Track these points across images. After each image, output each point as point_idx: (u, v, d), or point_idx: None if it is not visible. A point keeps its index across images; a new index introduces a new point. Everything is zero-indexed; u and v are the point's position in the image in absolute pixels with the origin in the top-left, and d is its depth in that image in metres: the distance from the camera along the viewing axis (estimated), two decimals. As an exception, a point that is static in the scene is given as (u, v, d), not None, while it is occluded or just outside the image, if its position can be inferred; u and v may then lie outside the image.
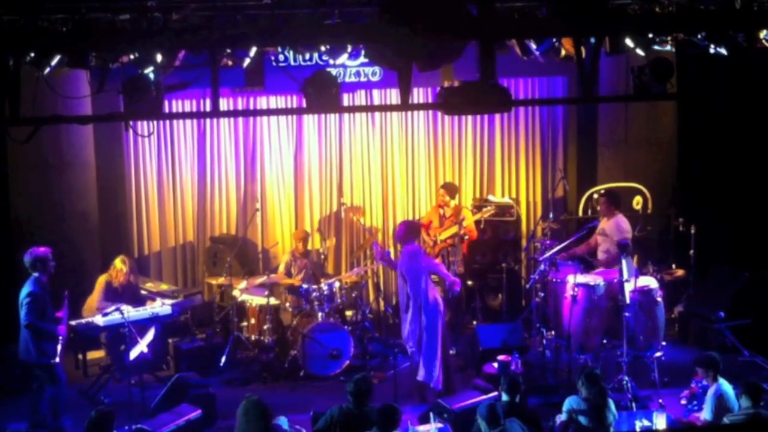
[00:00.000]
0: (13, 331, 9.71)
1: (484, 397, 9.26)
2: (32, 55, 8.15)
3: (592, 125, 13.34)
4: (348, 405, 8.02)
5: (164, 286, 12.03)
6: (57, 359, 9.43)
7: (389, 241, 13.18)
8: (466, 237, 12.10)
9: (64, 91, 9.37)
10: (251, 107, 12.66)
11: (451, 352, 11.43)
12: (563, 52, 9.77)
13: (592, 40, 8.50)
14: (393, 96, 12.48)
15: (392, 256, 11.29)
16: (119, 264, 10.98)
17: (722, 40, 9.07)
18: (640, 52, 9.42)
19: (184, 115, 12.92)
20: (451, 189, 12.52)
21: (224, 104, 12.25)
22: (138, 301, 10.95)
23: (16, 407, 10.17)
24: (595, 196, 12.57)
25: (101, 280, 10.96)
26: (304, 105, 8.11)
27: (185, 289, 12.48)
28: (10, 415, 10.06)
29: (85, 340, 10.97)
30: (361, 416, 7.93)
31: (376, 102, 12.83)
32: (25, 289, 9.39)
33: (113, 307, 10.32)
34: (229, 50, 8.96)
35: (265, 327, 11.41)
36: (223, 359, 11.32)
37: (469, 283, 12.52)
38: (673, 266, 12.32)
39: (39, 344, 9.40)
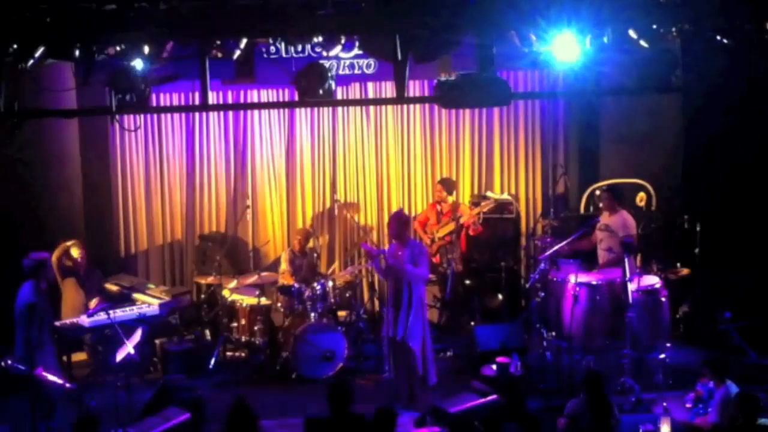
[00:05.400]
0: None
1: (483, 400, 9.10)
2: (14, 46, 8.04)
3: (594, 119, 13.16)
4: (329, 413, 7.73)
5: (151, 286, 11.88)
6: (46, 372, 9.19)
7: (384, 239, 12.98)
8: (476, 223, 11.87)
9: (47, 84, 9.33)
10: (241, 100, 12.57)
11: (448, 353, 11.29)
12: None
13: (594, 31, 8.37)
14: (388, 89, 12.52)
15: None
16: (75, 252, 10.78)
17: (730, 32, 8.86)
18: (644, 44, 9.19)
19: (172, 109, 12.83)
20: (449, 185, 12.37)
21: (213, 97, 11.96)
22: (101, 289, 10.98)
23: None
24: (597, 192, 12.38)
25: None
26: (296, 98, 8.04)
27: (173, 289, 12.32)
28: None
29: (70, 342, 10.73)
30: (345, 423, 7.61)
31: (371, 95, 12.82)
32: (24, 299, 9.19)
33: (99, 307, 10.23)
34: (218, 41, 8.82)
35: (256, 328, 11.31)
36: (213, 361, 11.21)
37: (468, 282, 12.33)
38: (678, 265, 12.16)
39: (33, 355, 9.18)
